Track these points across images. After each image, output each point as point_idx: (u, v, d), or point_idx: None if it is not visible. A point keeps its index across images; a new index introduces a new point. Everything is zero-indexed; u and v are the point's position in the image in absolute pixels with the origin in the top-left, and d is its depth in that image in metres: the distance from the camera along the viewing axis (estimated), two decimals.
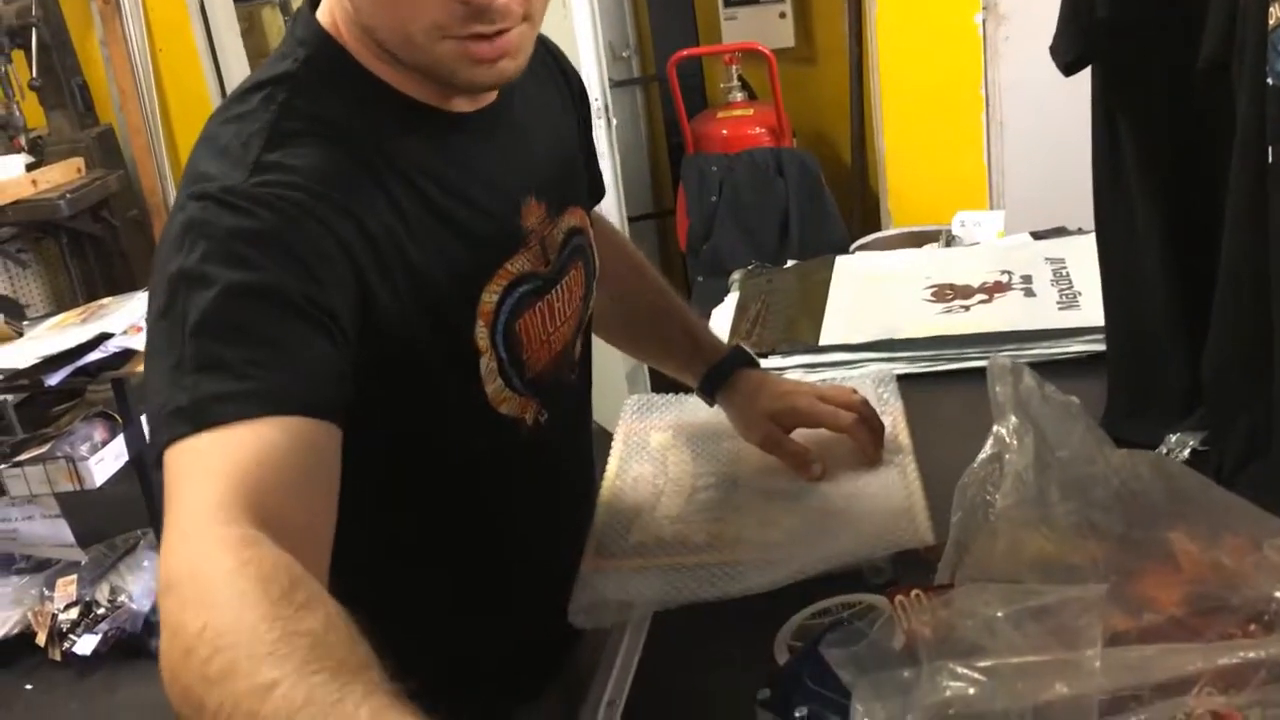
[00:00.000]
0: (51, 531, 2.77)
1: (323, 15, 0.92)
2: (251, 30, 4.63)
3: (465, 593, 1.06)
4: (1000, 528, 0.71)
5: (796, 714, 0.76)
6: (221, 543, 0.67)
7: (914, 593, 0.75)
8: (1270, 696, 0.66)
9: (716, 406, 1.26)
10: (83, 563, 2.87)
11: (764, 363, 1.41)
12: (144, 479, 2.85)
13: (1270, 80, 0.89)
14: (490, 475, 1.01)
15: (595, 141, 1.22)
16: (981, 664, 0.68)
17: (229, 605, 0.63)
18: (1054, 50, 1.13)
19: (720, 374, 1.25)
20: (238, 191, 0.81)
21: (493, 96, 0.98)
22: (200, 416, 0.73)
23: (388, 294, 0.86)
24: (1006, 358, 0.79)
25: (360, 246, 0.84)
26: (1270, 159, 0.90)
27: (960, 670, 0.68)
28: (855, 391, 1.22)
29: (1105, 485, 0.72)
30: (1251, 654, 0.64)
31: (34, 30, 3.68)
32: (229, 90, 4.42)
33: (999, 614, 0.67)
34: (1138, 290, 1.17)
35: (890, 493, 1.09)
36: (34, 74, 3.72)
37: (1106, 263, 1.19)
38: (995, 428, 0.76)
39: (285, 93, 0.88)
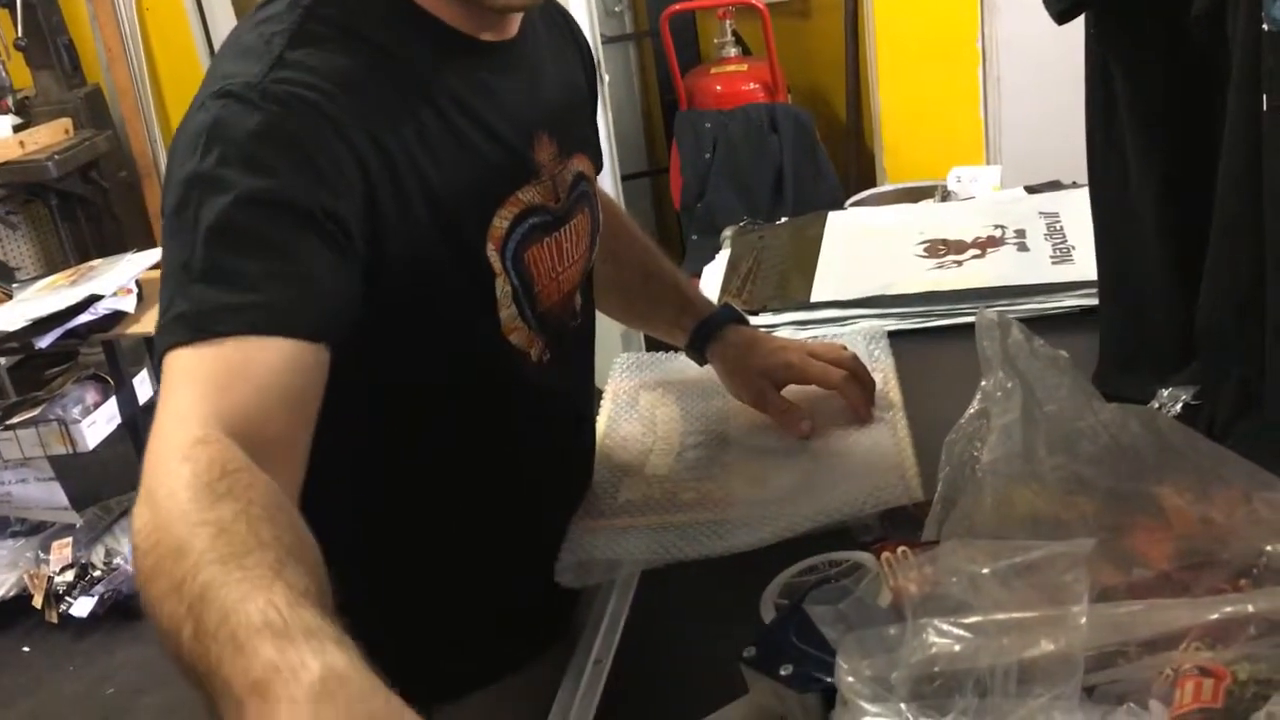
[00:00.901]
0: (45, 494, 2.78)
1: None
2: None
3: (463, 549, 1.04)
4: (987, 483, 0.70)
5: (782, 671, 0.75)
6: (177, 445, 0.67)
7: (900, 549, 0.74)
8: (1257, 650, 0.66)
9: (706, 366, 1.24)
10: (78, 525, 2.87)
11: (755, 320, 1.39)
12: (137, 441, 2.85)
13: (1266, 26, 0.87)
14: (495, 409, 1.01)
15: (599, 150, 1.19)
16: (967, 620, 0.67)
17: (161, 501, 0.64)
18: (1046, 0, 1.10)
19: (709, 331, 1.24)
20: (256, 89, 0.81)
21: (514, 30, 0.98)
22: (200, 326, 0.74)
23: (398, 208, 0.86)
24: (995, 312, 0.77)
25: (374, 158, 0.84)
26: (1265, 106, 0.89)
27: (945, 627, 0.67)
28: (846, 348, 1.21)
29: (1093, 440, 0.71)
30: (1238, 608, 0.63)
31: None
32: (217, 46, 4.37)
33: (984, 570, 0.66)
34: (1130, 244, 1.16)
35: (880, 450, 1.08)
36: (19, 33, 3.68)
37: (1099, 216, 1.18)
38: (983, 383, 0.75)
39: (301, 15, 0.87)
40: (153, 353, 0.97)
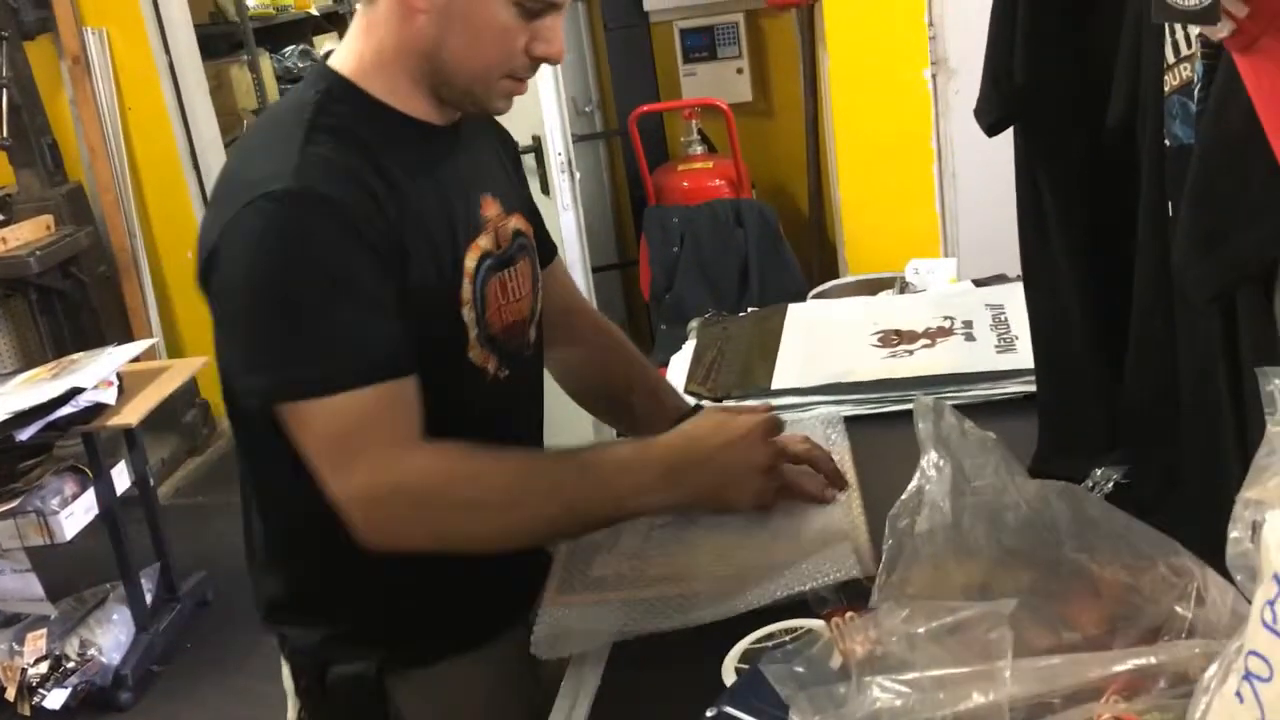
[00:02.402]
0: (21, 585, 2.79)
1: (340, 64, 1.19)
2: (220, 88, 4.71)
3: None
4: (922, 552, 0.78)
5: None
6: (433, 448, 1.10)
7: (848, 615, 0.81)
8: (1166, 701, 0.73)
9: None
10: (52, 616, 2.88)
11: (719, 405, 1.48)
12: (114, 532, 2.88)
13: (1168, 141, 0.97)
14: (458, 416, 1.18)
15: (560, 194, 1.37)
16: (906, 677, 0.75)
17: (477, 464, 1.12)
18: (978, 112, 1.21)
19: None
20: (306, 194, 1.07)
21: (456, 116, 1.23)
22: (361, 376, 1.06)
23: (407, 255, 1.13)
24: (931, 398, 0.86)
25: (394, 220, 1.11)
26: (1170, 212, 0.98)
27: (887, 684, 0.75)
28: (806, 439, 1.29)
29: (1016, 512, 0.79)
30: (1145, 661, 0.71)
31: (4, 90, 3.73)
32: (198, 147, 4.45)
33: (920, 630, 0.74)
34: (1062, 337, 1.25)
35: (835, 527, 1.16)
36: (4, 133, 3.77)
37: (1034, 312, 1.27)
38: (920, 462, 0.83)
39: (312, 110, 1.14)
40: (232, 413, 1.24)
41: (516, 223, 1.29)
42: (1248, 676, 0.54)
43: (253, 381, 1.10)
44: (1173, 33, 0.95)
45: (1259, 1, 0.62)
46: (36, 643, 2.84)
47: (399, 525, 1.08)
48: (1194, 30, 0.89)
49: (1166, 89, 0.97)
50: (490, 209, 1.25)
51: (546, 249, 1.41)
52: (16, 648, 2.85)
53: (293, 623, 1.27)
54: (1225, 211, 0.77)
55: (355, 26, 1.20)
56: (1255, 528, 0.58)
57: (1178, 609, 0.79)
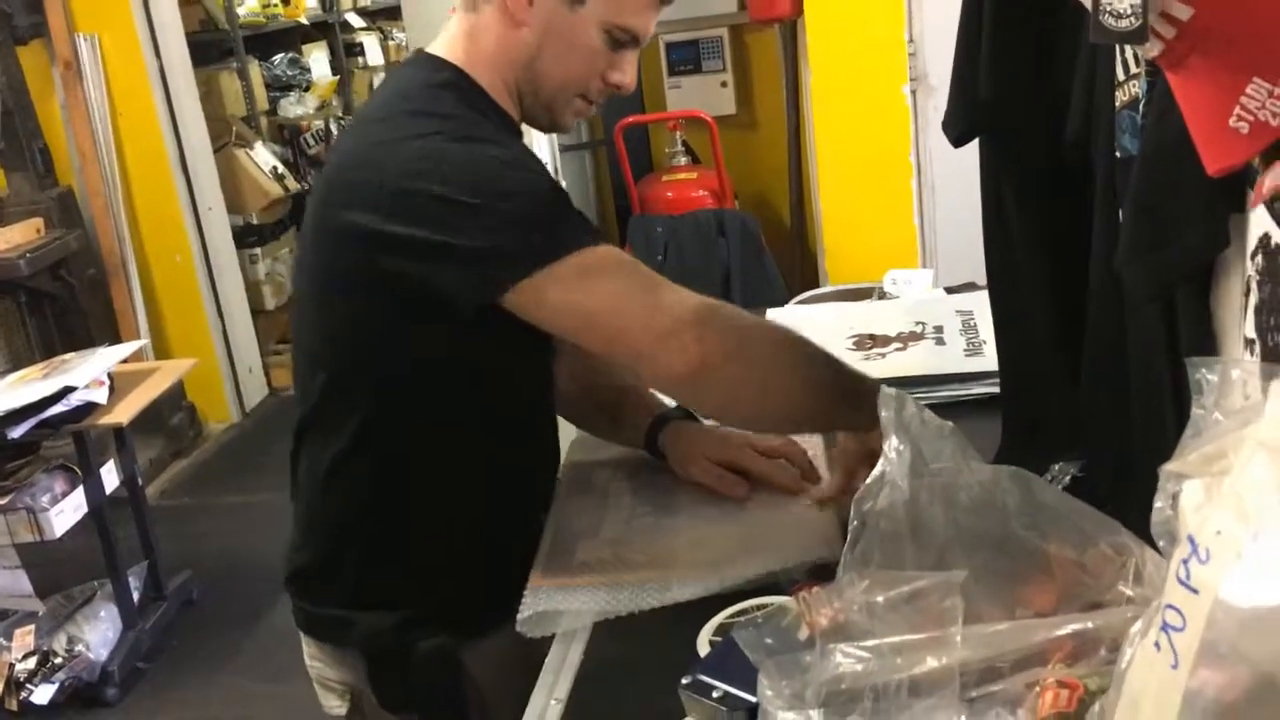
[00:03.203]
0: (10, 582, 2.83)
1: (453, 57, 1.27)
2: (210, 95, 4.76)
3: (482, 504, 1.31)
4: (884, 529, 0.84)
5: (714, 695, 0.88)
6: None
7: (815, 589, 0.88)
8: (1107, 667, 0.79)
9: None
10: (40, 613, 2.92)
11: None
12: (103, 530, 2.92)
13: (1118, 153, 1.04)
14: (541, 389, 1.34)
15: None
16: (866, 644, 0.81)
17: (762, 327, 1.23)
18: (945, 124, 1.28)
19: (662, 425, 1.41)
20: (479, 136, 1.19)
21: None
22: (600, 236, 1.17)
23: None
24: (893, 388, 0.92)
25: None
26: (1120, 219, 1.05)
27: (849, 650, 0.81)
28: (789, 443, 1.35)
29: (969, 492, 0.85)
30: (1082, 626, 0.77)
31: None
32: (187, 152, 4.49)
33: (879, 599, 0.80)
34: (1024, 340, 1.32)
35: (807, 515, 1.22)
36: None
37: (997, 313, 1.34)
38: (883, 446, 0.89)
39: (450, 88, 1.24)
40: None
41: None
42: (1164, 628, 0.60)
43: (506, 263, 1.12)
44: (1122, 52, 1.01)
45: (1183, 24, 0.69)
46: (25, 639, 2.88)
47: (730, 340, 1.14)
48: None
49: (1117, 104, 1.03)
50: None
51: None
52: (5, 643, 2.89)
53: (368, 607, 1.29)
54: (1161, 218, 0.84)
55: (455, 29, 1.28)
56: (1175, 497, 0.65)
57: (1119, 584, 0.86)
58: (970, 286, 1.96)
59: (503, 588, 1.26)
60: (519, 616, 1.12)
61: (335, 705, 1.35)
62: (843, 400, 1.18)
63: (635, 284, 1.15)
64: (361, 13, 6.51)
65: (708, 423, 1.54)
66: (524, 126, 1.34)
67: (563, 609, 1.12)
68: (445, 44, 1.29)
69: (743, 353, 1.15)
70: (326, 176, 1.27)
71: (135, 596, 3.08)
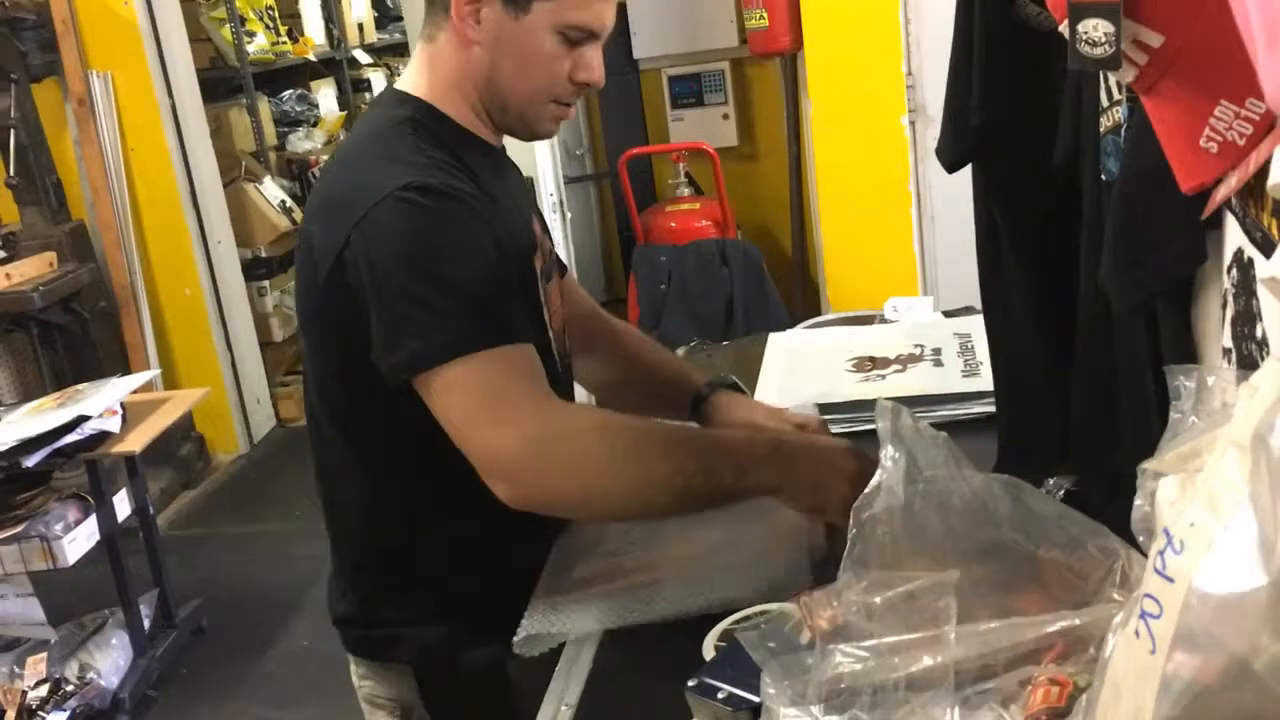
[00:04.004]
0: (23, 610, 2.86)
1: (416, 90, 1.30)
2: (219, 130, 4.83)
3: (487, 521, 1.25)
4: (881, 533, 0.88)
5: (719, 696, 0.92)
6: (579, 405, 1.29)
7: (815, 593, 0.91)
8: (1093, 665, 0.83)
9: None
10: (52, 641, 2.94)
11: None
12: (114, 558, 2.96)
13: (1104, 177, 1.09)
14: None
15: (552, 233, 1.49)
16: (865, 644, 0.84)
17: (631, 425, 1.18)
18: (939, 151, 1.32)
19: (707, 393, 1.48)
20: (435, 188, 1.18)
21: (502, 142, 1.37)
22: (505, 336, 1.16)
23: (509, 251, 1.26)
24: (890, 400, 0.96)
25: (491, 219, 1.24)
26: (1105, 236, 1.09)
27: (848, 650, 0.84)
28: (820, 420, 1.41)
29: (961, 497, 0.89)
30: (1072, 622, 0.81)
31: (12, 131, 3.84)
32: (197, 187, 4.56)
33: (877, 599, 0.83)
34: (1017, 361, 1.36)
35: (798, 528, 1.25)
36: (11, 173, 3.88)
37: (991, 333, 1.38)
38: (879, 456, 0.93)
39: (411, 125, 1.26)
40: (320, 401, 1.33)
41: (548, 243, 1.44)
42: (1143, 615, 0.63)
43: (399, 356, 1.14)
44: (1106, 79, 1.06)
45: (1155, 50, 0.73)
46: (37, 666, 2.90)
47: (554, 477, 1.12)
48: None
49: (1102, 129, 1.08)
50: (535, 226, 1.40)
51: (560, 265, 1.54)
52: (17, 671, 2.91)
53: (414, 624, 1.32)
54: (1140, 236, 0.88)
55: (418, 61, 1.32)
56: (1153, 495, 0.68)
57: (1106, 585, 0.89)
58: (968, 310, 2.00)
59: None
60: (514, 640, 1.15)
61: None
62: (716, 498, 1.16)
63: (479, 410, 1.13)
64: (368, 49, 6.60)
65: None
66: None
67: (554, 630, 1.15)
68: (410, 78, 1.32)
69: (577, 473, 1.13)
70: (305, 215, 1.36)
71: (146, 624, 3.11)
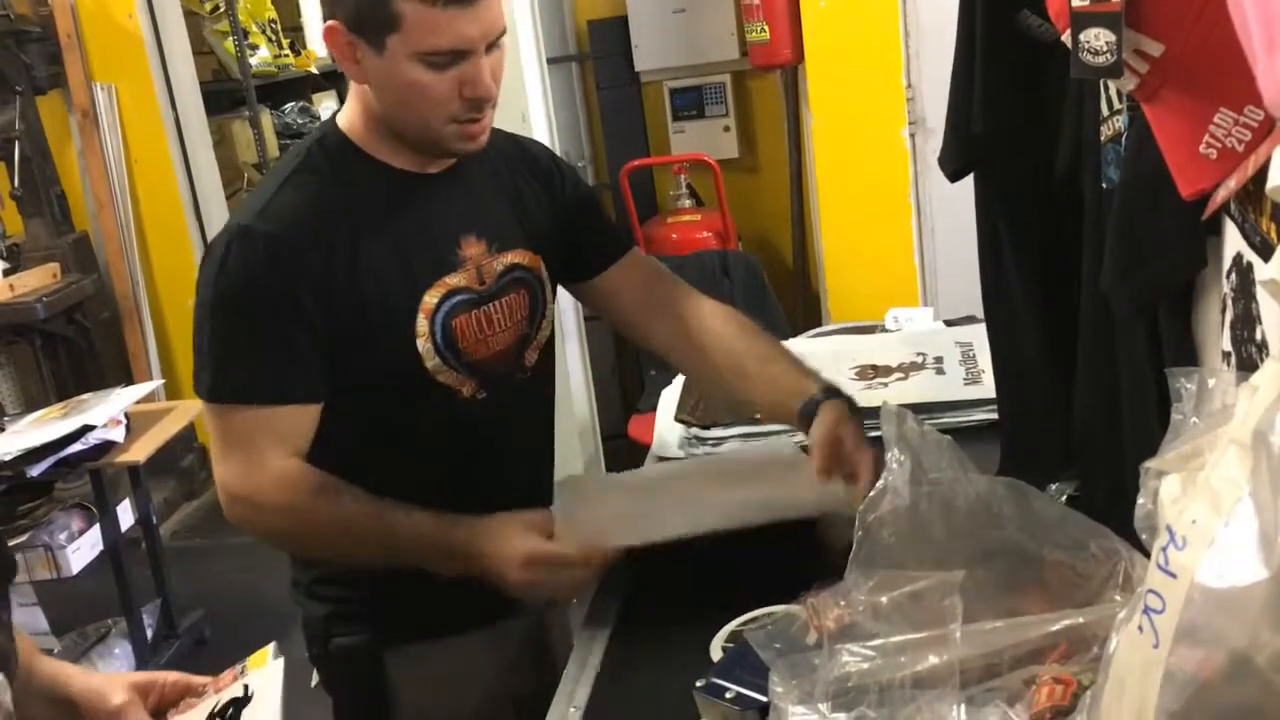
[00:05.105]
0: (26, 620, 2.86)
1: (341, 119, 1.37)
2: (223, 142, 4.84)
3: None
4: (887, 534, 0.89)
5: (727, 696, 0.93)
6: (288, 470, 1.30)
7: (821, 594, 0.92)
8: (1096, 664, 0.84)
9: (635, 492, 1.52)
10: (55, 650, 2.94)
11: (707, 433, 1.59)
12: (118, 568, 2.96)
13: (1105, 185, 1.10)
14: (440, 431, 1.38)
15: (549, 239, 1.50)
16: (872, 643, 0.86)
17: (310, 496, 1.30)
18: (941, 161, 1.34)
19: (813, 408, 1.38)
20: (255, 233, 1.28)
21: (451, 162, 1.38)
22: (247, 397, 1.29)
23: (341, 303, 1.30)
24: (895, 405, 0.97)
25: (345, 264, 1.30)
26: (1107, 242, 1.10)
27: (855, 649, 0.85)
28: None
29: (966, 499, 0.90)
30: (1073, 622, 0.82)
31: (16, 143, 3.86)
32: (200, 198, 4.56)
33: (883, 599, 0.85)
34: (1020, 369, 1.37)
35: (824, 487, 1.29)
36: (15, 184, 3.89)
37: (993, 339, 1.39)
38: (885, 458, 0.94)
39: (303, 156, 1.34)
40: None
41: (513, 258, 1.41)
42: (1146, 611, 0.65)
43: (199, 379, 1.32)
44: (1107, 89, 1.08)
45: (1155, 59, 0.75)
46: None
47: (245, 523, 1.33)
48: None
49: (1103, 138, 1.09)
50: (472, 249, 1.38)
51: (613, 245, 1.57)
52: None
53: (305, 598, 1.47)
54: (1140, 242, 0.90)
55: (349, 93, 1.37)
56: (1155, 493, 0.70)
57: (1109, 586, 0.90)
58: (970, 319, 2.02)
59: (443, 600, 1.34)
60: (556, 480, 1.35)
61: None
62: (394, 561, 1.32)
63: (215, 446, 1.32)
64: None
65: (708, 433, 1.64)
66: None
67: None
68: (345, 107, 1.39)
69: (262, 525, 1.34)
70: None
71: (149, 634, 3.11)
